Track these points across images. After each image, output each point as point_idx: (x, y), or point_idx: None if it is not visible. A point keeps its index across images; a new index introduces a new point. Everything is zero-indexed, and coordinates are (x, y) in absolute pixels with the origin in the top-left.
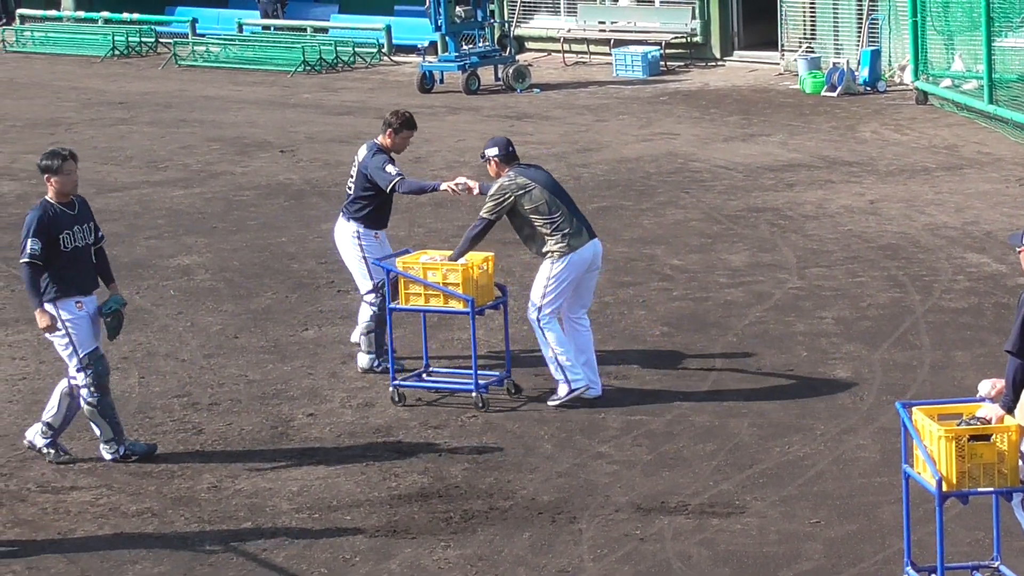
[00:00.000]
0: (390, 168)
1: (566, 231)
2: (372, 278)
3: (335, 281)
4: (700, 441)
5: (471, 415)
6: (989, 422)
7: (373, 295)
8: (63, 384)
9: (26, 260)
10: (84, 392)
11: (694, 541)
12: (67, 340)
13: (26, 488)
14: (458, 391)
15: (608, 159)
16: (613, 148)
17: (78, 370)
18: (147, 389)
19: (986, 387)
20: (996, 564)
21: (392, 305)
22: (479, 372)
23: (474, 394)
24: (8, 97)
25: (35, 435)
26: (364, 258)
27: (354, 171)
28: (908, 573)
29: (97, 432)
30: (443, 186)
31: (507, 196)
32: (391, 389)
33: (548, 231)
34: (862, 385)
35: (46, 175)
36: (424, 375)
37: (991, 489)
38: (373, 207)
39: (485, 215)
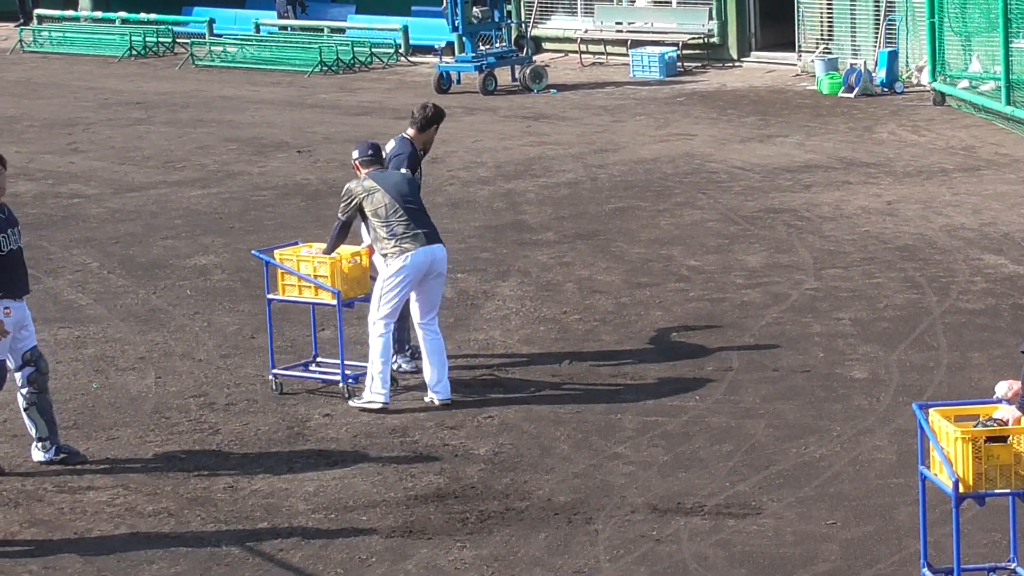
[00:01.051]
0: (404, 170)
1: (400, 235)
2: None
3: None
4: (716, 442)
5: (487, 416)
6: (1006, 423)
7: None
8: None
9: None
10: None
11: (710, 542)
12: None
13: (43, 488)
14: (329, 382)
15: (625, 160)
16: (630, 149)
17: None
18: (163, 389)
19: (1003, 388)
20: (1013, 566)
21: (270, 296)
22: (347, 363)
23: (341, 384)
24: (26, 97)
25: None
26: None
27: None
28: (925, 574)
29: (31, 428)
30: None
31: (353, 198)
32: (271, 378)
33: (384, 235)
34: (879, 386)
35: None
36: (312, 365)
37: (1008, 490)
38: None
39: (339, 215)
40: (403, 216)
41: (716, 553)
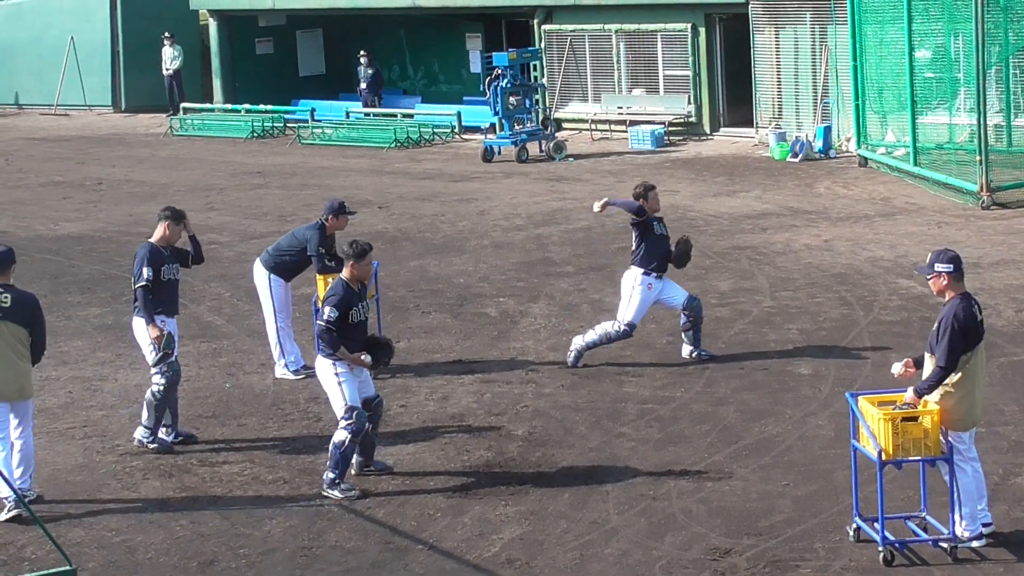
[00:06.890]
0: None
1: None
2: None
3: (420, 305)
4: (697, 423)
5: (524, 405)
6: (915, 406)
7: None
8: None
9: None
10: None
11: (694, 499)
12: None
13: (190, 463)
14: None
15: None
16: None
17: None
18: (279, 387)
19: (898, 368)
20: (923, 514)
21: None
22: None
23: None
24: (174, 169)
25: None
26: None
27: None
28: (856, 522)
29: (144, 416)
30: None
31: None
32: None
33: None
34: (820, 380)
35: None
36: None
37: (919, 458)
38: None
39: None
40: None
41: (698, 507)
